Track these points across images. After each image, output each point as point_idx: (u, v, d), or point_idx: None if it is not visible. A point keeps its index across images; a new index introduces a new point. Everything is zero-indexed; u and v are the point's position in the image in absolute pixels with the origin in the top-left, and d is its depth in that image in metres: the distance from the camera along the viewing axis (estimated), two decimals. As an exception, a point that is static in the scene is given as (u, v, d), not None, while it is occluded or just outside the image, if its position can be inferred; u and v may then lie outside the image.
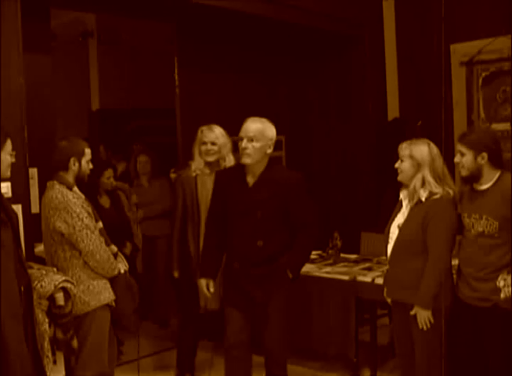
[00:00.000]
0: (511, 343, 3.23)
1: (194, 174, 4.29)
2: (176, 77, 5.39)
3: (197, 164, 4.30)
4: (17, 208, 3.49)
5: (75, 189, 3.60)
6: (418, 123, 5.83)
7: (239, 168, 3.64)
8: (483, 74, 5.66)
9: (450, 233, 3.36)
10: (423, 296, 3.32)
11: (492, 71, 5.61)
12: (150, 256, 6.03)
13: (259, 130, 3.52)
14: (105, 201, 5.05)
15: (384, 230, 3.61)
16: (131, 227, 5.48)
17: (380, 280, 3.99)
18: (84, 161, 3.63)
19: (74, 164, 3.59)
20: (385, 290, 3.65)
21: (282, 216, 3.57)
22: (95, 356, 3.55)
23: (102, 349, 3.58)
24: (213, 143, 4.25)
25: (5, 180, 3.36)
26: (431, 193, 3.37)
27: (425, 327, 3.33)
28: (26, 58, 3.80)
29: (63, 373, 3.50)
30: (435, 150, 3.43)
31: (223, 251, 3.73)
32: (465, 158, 3.29)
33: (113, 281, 3.63)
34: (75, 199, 3.50)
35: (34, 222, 3.74)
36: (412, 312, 3.37)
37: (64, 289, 3.27)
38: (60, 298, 3.25)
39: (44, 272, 3.30)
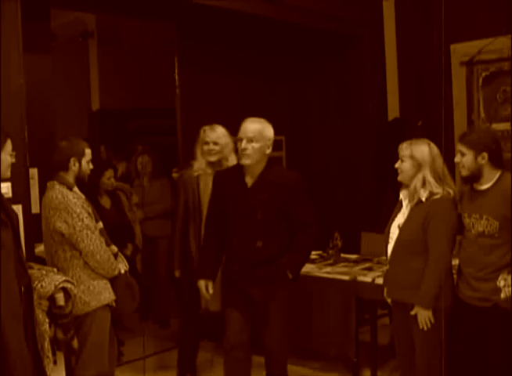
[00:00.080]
0: (511, 343, 3.23)
1: (196, 174, 4.28)
2: (176, 77, 5.39)
3: (199, 164, 4.29)
4: (17, 209, 3.49)
5: (75, 189, 3.60)
6: (418, 123, 5.83)
7: (238, 169, 3.62)
8: (483, 74, 5.66)
9: (450, 233, 3.36)
10: (423, 296, 3.32)
11: (492, 71, 5.61)
12: (151, 256, 6.02)
13: (258, 130, 3.51)
14: (106, 202, 5.05)
15: (384, 230, 3.61)
16: (133, 228, 5.48)
17: (380, 280, 3.98)
18: (84, 162, 3.63)
19: (74, 165, 3.59)
20: (385, 290, 3.64)
21: (281, 216, 3.55)
22: (96, 357, 3.55)
23: (102, 350, 3.58)
24: (215, 143, 4.24)
25: (5, 180, 3.36)
26: (432, 193, 3.37)
27: (425, 327, 3.33)
28: (26, 58, 3.79)
29: (64, 373, 3.49)
30: (435, 149, 3.43)
31: (222, 252, 3.72)
32: (465, 158, 3.29)
33: (114, 281, 3.63)
34: (75, 199, 3.50)
35: (34, 223, 3.74)
36: (412, 312, 3.37)
37: (64, 289, 3.27)
38: (60, 298, 3.25)
39: (44, 272, 3.30)
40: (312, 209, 3.64)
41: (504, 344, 3.25)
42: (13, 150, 3.13)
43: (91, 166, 3.69)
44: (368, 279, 4.34)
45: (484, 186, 3.31)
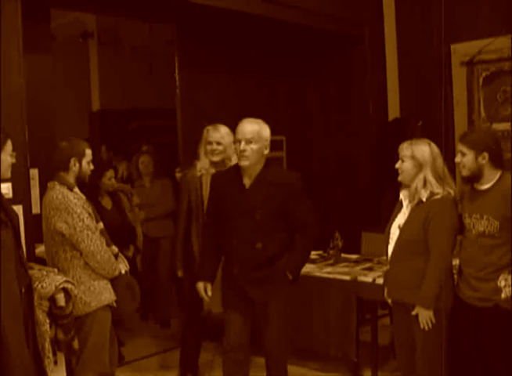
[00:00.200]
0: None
1: (199, 173, 4.28)
2: (177, 77, 5.39)
3: (203, 164, 4.29)
4: (18, 209, 3.49)
5: (76, 189, 3.60)
6: (419, 123, 5.83)
7: (236, 170, 3.60)
8: (483, 74, 5.66)
9: (451, 233, 3.35)
10: (424, 296, 3.32)
11: (492, 71, 5.60)
12: (152, 257, 6.02)
13: (256, 131, 3.48)
14: (106, 202, 5.04)
15: (385, 230, 3.61)
16: (134, 229, 5.48)
17: (380, 280, 3.98)
18: (84, 162, 3.63)
19: (75, 165, 3.59)
20: (385, 290, 3.64)
21: (280, 217, 3.53)
22: (96, 357, 3.55)
23: (103, 350, 3.58)
24: (218, 143, 4.24)
25: (5, 181, 3.36)
26: (432, 194, 3.37)
27: (426, 327, 3.33)
28: (26, 58, 3.79)
29: (64, 373, 3.49)
30: (436, 150, 3.43)
31: (221, 254, 3.71)
32: (466, 158, 3.29)
33: (114, 282, 3.63)
34: (76, 199, 3.50)
35: (34, 223, 3.74)
36: (413, 313, 3.36)
37: (65, 290, 3.27)
38: (61, 298, 3.25)
39: (45, 272, 3.30)
40: (312, 209, 3.62)
41: (504, 344, 3.25)
42: (14, 150, 3.13)
43: (91, 166, 3.69)
44: (368, 279, 4.34)
45: (485, 186, 3.31)
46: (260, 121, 3.55)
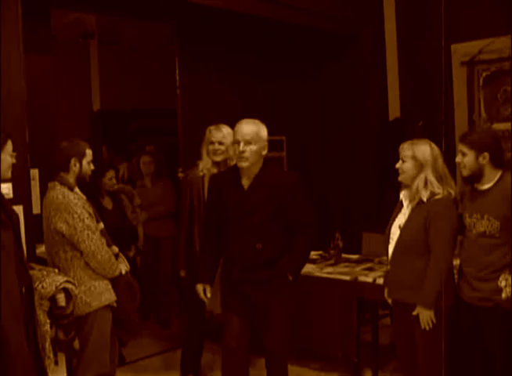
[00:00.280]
0: (512, 343, 3.23)
1: (201, 173, 4.27)
2: (177, 77, 5.40)
3: (205, 164, 4.28)
4: (18, 209, 3.49)
5: (76, 189, 3.60)
6: (419, 123, 5.83)
7: (234, 171, 3.58)
8: (484, 74, 5.66)
9: (452, 233, 3.36)
10: (425, 296, 3.32)
11: (492, 71, 5.60)
12: (153, 257, 6.02)
13: (255, 132, 3.47)
14: (107, 203, 5.04)
15: (385, 231, 3.61)
16: (136, 229, 5.48)
17: (381, 281, 3.98)
18: (85, 162, 3.63)
19: (75, 165, 3.59)
20: (386, 290, 3.64)
21: (279, 218, 3.52)
22: (97, 357, 3.55)
23: (103, 350, 3.58)
24: (220, 143, 4.23)
25: (6, 181, 3.36)
26: (433, 194, 3.37)
27: (427, 327, 3.33)
28: (26, 59, 3.79)
29: (65, 374, 3.50)
30: (437, 150, 3.43)
31: (220, 256, 3.69)
32: (466, 158, 3.29)
33: (115, 282, 3.63)
34: (76, 200, 3.50)
35: (35, 223, 3.75)
36: (414, 313, 3.36)
37: (65, 290, 3.27)
38: (61, 298, 3.25)
39: (45, 272, 3.30)
40: (310, 209, 3.61)
41: (505, 344, 3.25)
42: (14, 150, 3.13)
43: (92, 167, 3.69)
44: (369, 279, 4.34)
45: (486, 186, 3.31)
46: (258, 122, 3.54)
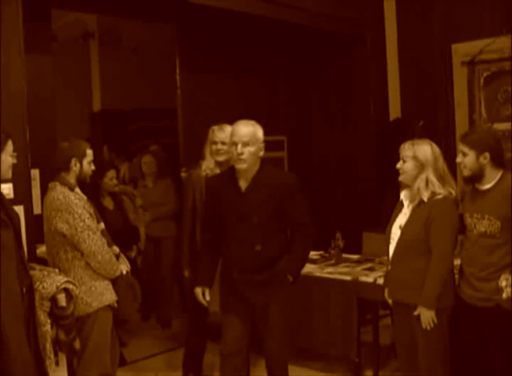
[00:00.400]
0: (513, 343, 3.23)
1: (204, 173, 4.27)
2: (177, 77, 5.40)
3: (208, 164, 4.27)
4: (19, 209, 3.49)
5: (77, 190, 3.60)
6: (420, 123, 5.83)
7: (231, 173, 3.56)
8: (484, 74, 5.66)
9: (452, 233, 3.35)
10: (427, 296, 3.31)
11: (493, 71, 5.60)
12: (155, 257, 6.02)
13: (252, 133, 3.45)
14: (108, 203, 5.04)
15: (385, 231, 3.60)
16: (138, 230, 5.47)
17: (382, 281, 3.98)
18: (85, 162, 3.63)
19: (76, 165, 3.59)
20: (386, 290, 3.64)
21: (278, 218, 3.51)
22: (98, 357, 3.55)
23: (104, 350, 3.58)
24: (223, 143, 4.22)
25: (6, 181, 3.36)
26: (433, 194, 3.37)
27: (429, 327, 3.32)
28: (27, 59, 3.79)
29: (66, 374, 3.49)
30: (437, 150, 3.43)
31: (218, 259, 3.68)
32: (467, 158, 3.29)
33: (115, 282, 3.63)
34: (77, 200, 3.50)
35: (36, 223, 3.74)
36: (415, 313, 3.36)
37: (66, 290, 3.27)
38: (62, 299, 3.25)
39: (46, 273, 3.30)
40: (308, 209, 3.59)
41: (506, 344, 3.25)
42: (15, 150, 3.13)
43: (92, 167, 3.69)
44: (370, 279, 4.34)
45: (486, 186, 3.31)
46: (254, 123, 3.52)
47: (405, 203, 3.51)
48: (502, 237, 3.22)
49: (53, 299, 3.22)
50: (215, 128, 4.29)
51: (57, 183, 3.54)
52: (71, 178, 3.58)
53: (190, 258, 4.31)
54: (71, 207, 3.45)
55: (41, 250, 3.80)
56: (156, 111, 8.37)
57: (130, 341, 5.29)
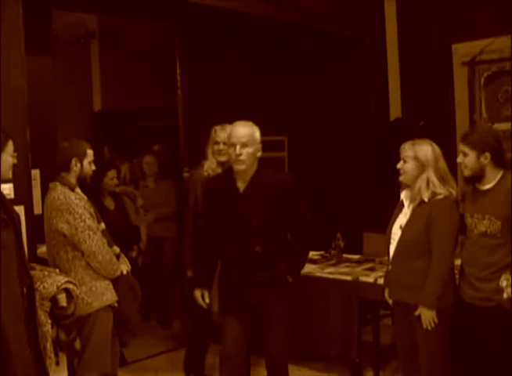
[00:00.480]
0: (514, 343, 3.23)
1: (206, 173, 4.26)
2: (178, 77, 5.39)
3: (210, 164, 4.27)
4: (20, 209, 3.49)
5: (77, 190, 3.60)
6: (420, 123, 5.83)
7: (229, 174, 3.55)
8: (485, 74, 5.65)
9: (453, 233, 3.35)
10: (428, 296, 3.31)
11: (493, 71, 5.60)
12: (156, 257, 6.02)
13: (250, 134, 3.44)
14: (109, 203, 5.04)
15: (386, 231, 3.60)
16: (139, 230, 5.47)
17: (382, 281, 3.98)
18: (86, 162, 3.63)
19: (76, 165, 3.59)
20: (387, 291, 3.64)
21: (276, 219, 3.50)
22: (98, 357, 3.55)
23: (104, 350, 3.58)
24: (225, 143, 4.23)
25: (7, 181, 3.36)
26: (434, 194, 3.37)
27: (429, 327, 3.32)
28: (28, 59, 3.80)
29: (66, 374, 3.49)
30: (438, 150, 3.43)
31: (217, 260, 3.68)
32: (468, 158, 3.29)
33: (116, 282, 3.63)
34: (77, 200, 3.50)
35: (36, 224, 3.75)
36: (416, 313, 3.36)
37: (67, 290, 3.27)
38: (63, 299, 3.25)
39: (46, 273, 3.30)
40: (306, 209, 3.58)
41: (506, 344, 3.25)
42: (15, 150, 3.13)
43: (93, 167, 3.69)
44: (370, 279, 4.34)
45: (487, 186, 3.31)
46: (251, 124, 3.51)
47: (406, 203, 3.51)
48: (502, 237, 3.22)
49: (54, 299, 3.22)
50: (217, 128, 4.29)
51: (58, 183, 3.54)
52: (72, 179, 3.58)
53: (193, 258, 4.31)
54: (72, 208, 3.45)
55: (42, 250, 3.80)
56: (157, 111, 8.36)
57: (130, 341, 5.29)
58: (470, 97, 5.73)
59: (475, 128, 5.20)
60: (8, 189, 3.50)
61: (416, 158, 3.40)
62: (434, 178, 3.37)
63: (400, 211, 3.54)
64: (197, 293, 3.68)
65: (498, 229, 3.22)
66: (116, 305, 3.61)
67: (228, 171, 3.59)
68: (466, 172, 3.33)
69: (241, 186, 3.50)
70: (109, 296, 3.56)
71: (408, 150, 3.44)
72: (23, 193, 3.68)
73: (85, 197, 3.61)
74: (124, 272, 3.68)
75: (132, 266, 3.89)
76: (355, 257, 5.05)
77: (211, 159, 4.28)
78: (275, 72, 6.05)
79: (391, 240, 3.53)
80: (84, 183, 3.65)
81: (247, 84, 5.82)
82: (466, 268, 3.38)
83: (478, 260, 3.30)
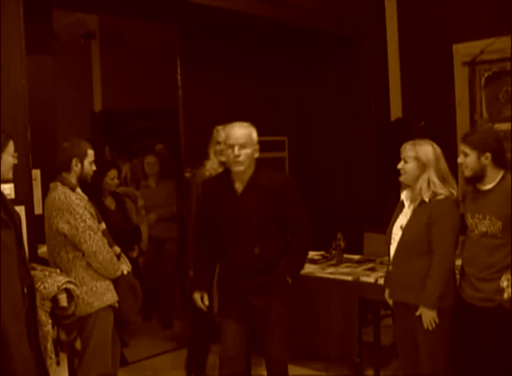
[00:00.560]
0: (514, 343, 3.23)
1: (208, 173, 4.26)
2: (179, 77, 5.39)
3: (212, 164, 4.27)
4: (20, 210, 3.49)
5: (78, 190, 3.60)
6: (421, 123, 5.83)
7: (227, 175, 3.54)
8: (485, 74, 5.65)
9: (454, 233, 3.35)
10: (428, 296, 3.31)
11: (494, 71, 5.60)
12: (157, 258, 6.02)
13: (248, 135, 3.43)
14: (110, 203, 5.03)
15: (386, 231, 3.60)
16: (140, 230, 5.47)
17: (383, 281, 3.98)
18: (86, 162, 3.63)
19: (77, 165, 3.59)
20: (387, 291, 3.64)
21: (275, 220, 3.49)
22: (99, 357, 3.55)
23: (105, 350, 3.59)
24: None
25: (7, 181, 3.37)
26: (435, 194, 3.37)
27: (430, 328, 3.32)
28: (28, 59, 3.80)
29: (67, 374, 3.49)
30: (439, 150, 3.43)
31: (216, 262, 3.67)
32: (468, 159, 3.29)
33: (116, 282, 3.63)
34: (78, 200, 3.50)
35: (37, 224, 3.75)
36: (417, 313, 3.35)
37: (67, 290, 3.27)
38: (63, 299, 3.25)
39: (47, 273, 3.31)
40: (305, 209, 3.57)
41: (507, 344, 3.25)
42: (16, 151, 3.13)
43: (94, 167, 3.69)
44: (371, 279, 4.34)
45: (488, 186, 3.31)
46: (248, 124, 3.50)
47: (406, 203, 3.51)
48: (503, 237, 3.22)
49: (54, 299, 3.22)
50: (219, 128, 4.28)
51: (58, 183, 3.54)
52: (72, 179, 3.58)
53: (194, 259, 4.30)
54: (72, 208, 3.45)
55: (43, 250, 3.80)
56: (158, 111, 8.37)
57: (131, 341, 5.29)
58: (471, 97, 5.73)
59: (476, 129, 5.21)
60: (8, 189, 3.50)
61: (416, 158, 3.40)
62: (434, 179, 3.37)
63: (400, 211, 3.54)
64: (196, 295, 3.67)
65: (498, 229, 3.22)
66: (116, 305, 3.61)
67: (225, 173, 3.58)
68: (467, 172, 3.32)
69: (239, 187, 3.48)
70: (110, 296, 3.57)
71: (409, 150, 3.44)
72: (24, 193, 3.68)
73: (86, 197, 3.61)
74: (125, 272, 3.68)
75: (133, 266, 3.89)
76: (356, 257, 5.05)
77: (213, 159, 4.28)
78: (275, 72, 6.05)
79: (392, 241, 3.53)
80: (84, 183, 3.65)
81: (248, 84, 5.82)
82: (467, 268, 3.38)
83: (479, 260, 3.30)
